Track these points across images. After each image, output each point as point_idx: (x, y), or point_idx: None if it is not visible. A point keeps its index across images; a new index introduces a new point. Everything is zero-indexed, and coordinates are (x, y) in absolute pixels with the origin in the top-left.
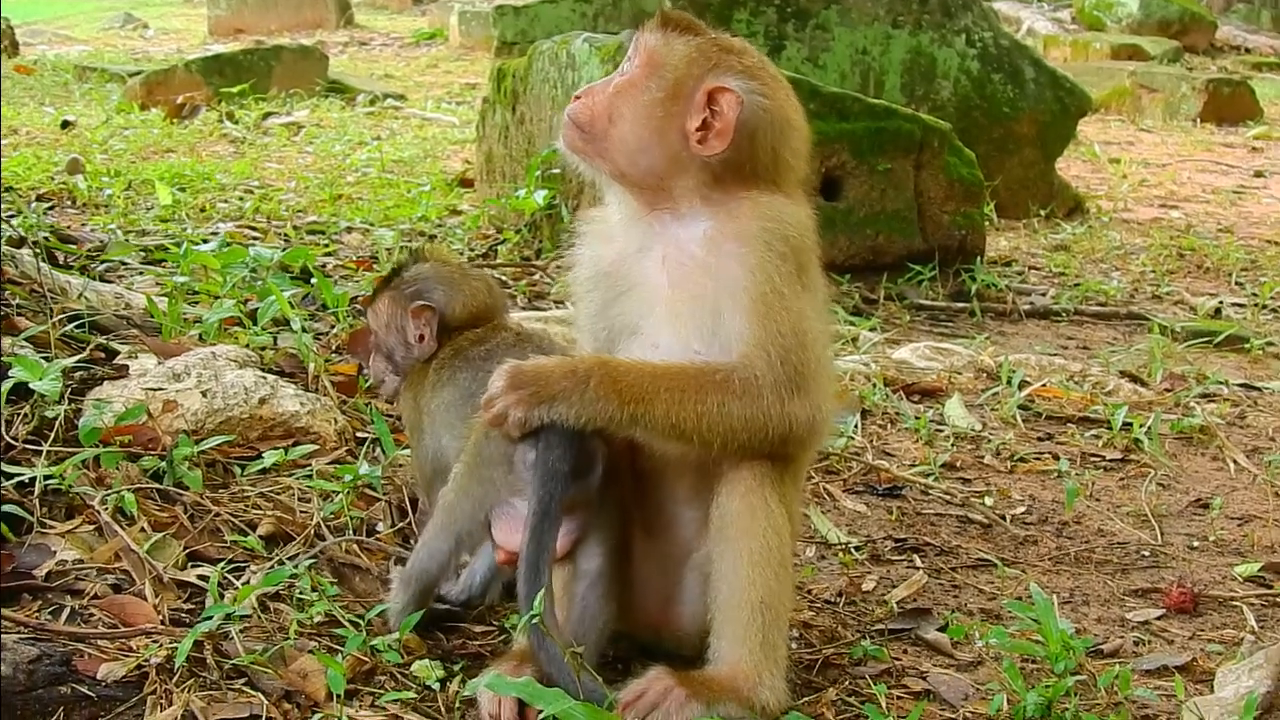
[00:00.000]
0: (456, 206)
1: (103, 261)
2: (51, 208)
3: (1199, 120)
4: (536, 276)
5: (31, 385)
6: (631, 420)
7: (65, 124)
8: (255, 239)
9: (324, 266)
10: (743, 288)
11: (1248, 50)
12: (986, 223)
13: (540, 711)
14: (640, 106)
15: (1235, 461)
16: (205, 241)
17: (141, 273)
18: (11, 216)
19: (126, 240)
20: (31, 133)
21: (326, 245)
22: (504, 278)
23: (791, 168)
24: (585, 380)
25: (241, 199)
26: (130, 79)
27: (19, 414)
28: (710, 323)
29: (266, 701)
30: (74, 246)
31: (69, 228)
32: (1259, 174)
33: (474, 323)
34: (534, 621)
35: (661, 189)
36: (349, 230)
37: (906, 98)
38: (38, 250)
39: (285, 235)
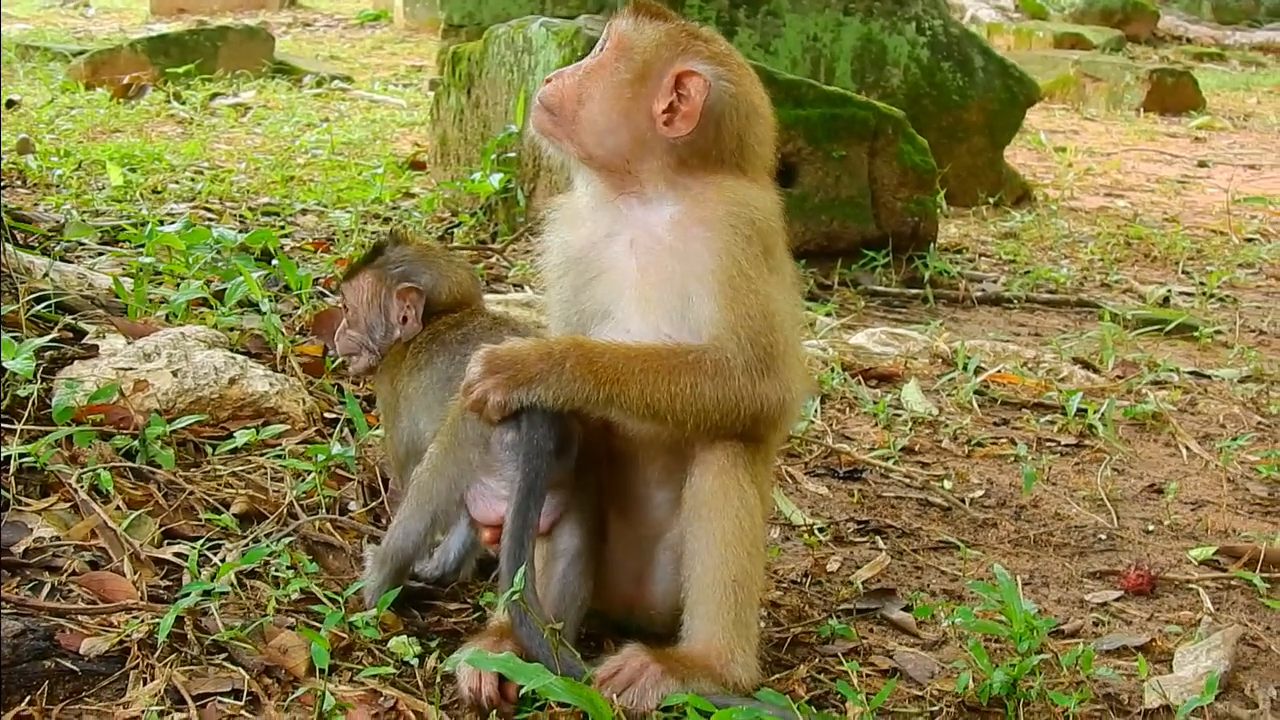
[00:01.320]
0: (409, 189)
1: (61, 242)
2: (3, 188)
3: (1142, 110)
4: (493, 259)
5: (5, 364)
6: (607, 401)
7: (10, 103)
8: (211, 220)
9: (282, 248)
10: (710, 271)
11: (1189, 40)
12: (938, 210)
13: (520, 686)
14: (609, 88)
15: (1187, 448)
16: (163, 223)
17: (101, 253)
18: None
19: (83, 221)
20: None
21: (282, 227)
22: None
23: (757, 154)
24: (561, 362)
25: (193, 180)
26: (74, 58)
27: None
28: (679, 306)
29: (247, 676)
30: (31, 226)
31: (22, 208)
32: (1202, 164)
33: (455, 308)
34: (514, 598)
35: (628, 171)
36: (304, 212)
37: (857, 85)
38: (2, 231)
39: (241, 217)
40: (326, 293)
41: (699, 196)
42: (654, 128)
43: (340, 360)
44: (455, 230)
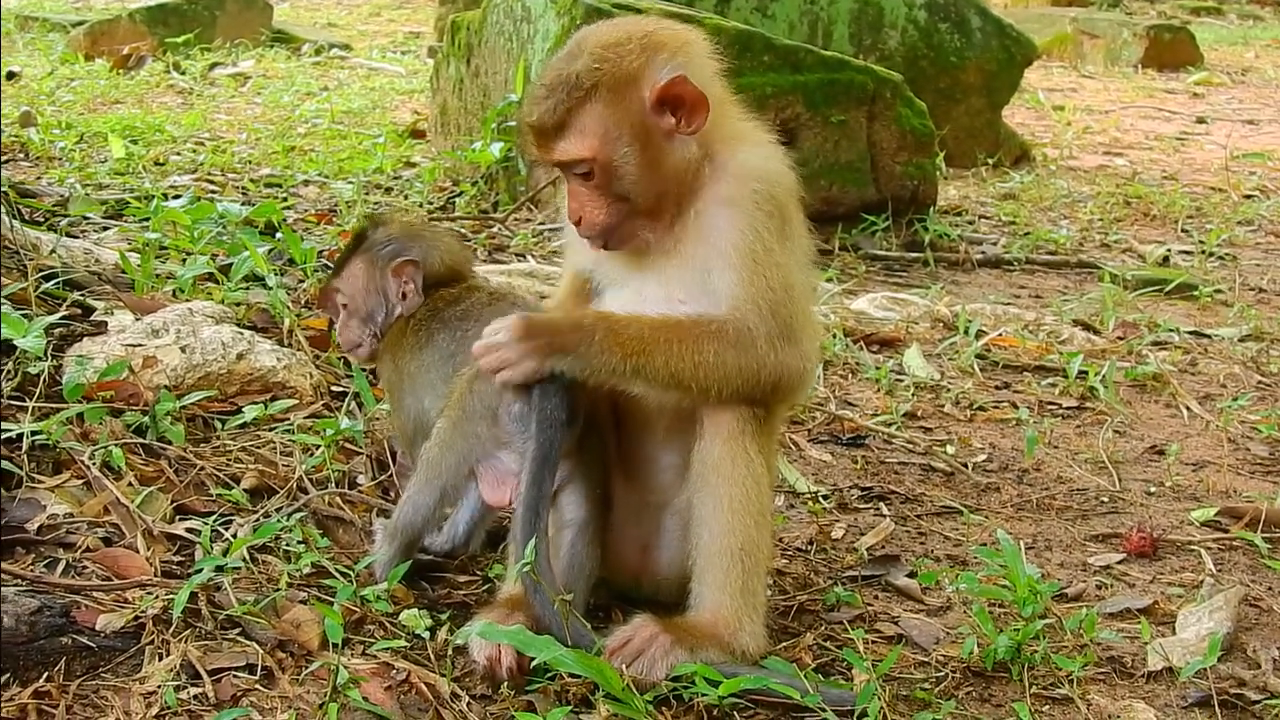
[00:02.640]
0: (410, 158)
1: (66, 217)
2: (5, 161)
3: (1140, 66)
4: (495, 229)
5: (16, 342)
6: (634, 372)
7: (10, 75)
8: (214, 192)
9: (285, 221)
10: (733, 246)
11: None
12: (937, 173)
13: (531, 658)
14: (633, 164)
15: (1188, 408)
16: (167, 197)
17: (106, 228)
18: None
19: (87, 195)
20: None
21: (285, 199)
22: (463, 231)
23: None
24: (591, 334)
25: (195, 151)
26: (73, 29)
27: (2, 371)
28: (699, 279)
29: (261, 650)
30: (35, 200)
31: (25, 182)
32: (1201, 120)
33: (451, 278)
34: (526, 570)
35: (690, 188)
36: (306, 183)
37: (855, 48)
38: (8, 207)
39: (244, 189)
40: (330, 265)
41: (721, 169)
42: (679, 142)
43: (347, 351)
44: (457, 200)
